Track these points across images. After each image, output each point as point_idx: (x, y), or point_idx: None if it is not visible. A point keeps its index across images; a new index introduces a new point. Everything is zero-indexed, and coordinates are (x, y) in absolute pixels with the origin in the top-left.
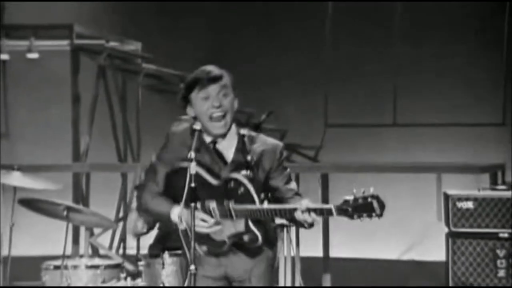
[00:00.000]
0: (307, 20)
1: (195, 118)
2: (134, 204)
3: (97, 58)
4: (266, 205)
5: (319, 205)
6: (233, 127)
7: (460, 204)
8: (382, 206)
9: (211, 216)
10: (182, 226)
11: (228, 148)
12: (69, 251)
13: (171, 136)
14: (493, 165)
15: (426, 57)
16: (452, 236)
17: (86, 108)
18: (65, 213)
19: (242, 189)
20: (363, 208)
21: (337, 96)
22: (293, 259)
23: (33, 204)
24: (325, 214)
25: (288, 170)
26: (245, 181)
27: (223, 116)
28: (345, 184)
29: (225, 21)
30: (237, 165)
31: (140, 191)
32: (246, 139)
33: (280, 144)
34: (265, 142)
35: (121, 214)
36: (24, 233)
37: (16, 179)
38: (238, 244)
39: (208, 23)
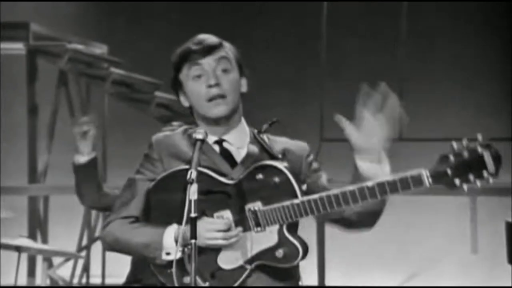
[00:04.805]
0: (301, 25)
1: (190, 109)
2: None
3: (58, 62)
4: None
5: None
6: (243, 121)
7: None
8: (497, 159)
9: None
10: (173, 256)
11: (238, 147)
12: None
13: (156, 143)
14: None
15: (434, 65)
16: None
17: (44, 120)
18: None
19: (277, 179)
20: (470, 165)
21: (333, 107)
22: None
23: None
24: (412, 186)
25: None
26: (282, 167)
27: (223, 97)
28: None
29: (207, 22)
30: (255, 161)
31: (111, 218)
32: (262, 135)
33: (306, 145)
34: (287, 141)
35: (84, 242)
36: None
37: None
38: (263, 267)
39: (186, 24)
